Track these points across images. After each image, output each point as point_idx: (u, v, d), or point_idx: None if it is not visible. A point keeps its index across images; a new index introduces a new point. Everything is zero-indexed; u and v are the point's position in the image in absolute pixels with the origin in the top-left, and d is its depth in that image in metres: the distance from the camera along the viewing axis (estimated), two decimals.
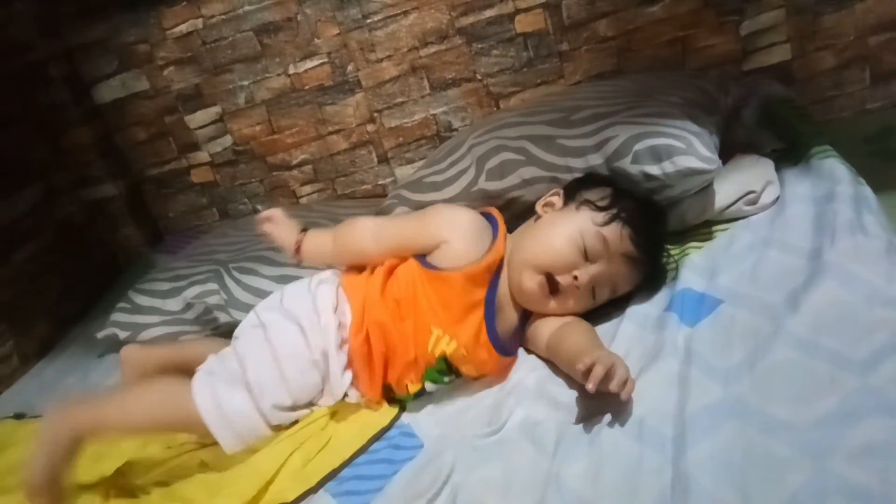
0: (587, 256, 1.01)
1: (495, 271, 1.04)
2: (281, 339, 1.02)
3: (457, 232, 1.04)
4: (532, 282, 1.02)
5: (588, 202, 1.05)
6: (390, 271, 1.07)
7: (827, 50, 1.55)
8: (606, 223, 1.01)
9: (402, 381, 1.03)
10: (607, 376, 0.82)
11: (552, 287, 1.01)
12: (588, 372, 0.83)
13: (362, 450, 0.97)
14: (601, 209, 1.03)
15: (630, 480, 0.75)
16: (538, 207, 1.12)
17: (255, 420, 0.98)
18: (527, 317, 1.08)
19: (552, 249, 1.02)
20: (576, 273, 1.00)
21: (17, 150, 1.74)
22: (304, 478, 0.94)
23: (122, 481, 1.05)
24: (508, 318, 1.07)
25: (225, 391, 0.98)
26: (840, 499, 0.64)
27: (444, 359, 1.00)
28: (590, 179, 1.13)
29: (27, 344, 1.62)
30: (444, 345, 1.00)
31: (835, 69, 1.57)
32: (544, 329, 1.03)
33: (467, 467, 0.86)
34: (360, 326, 1.03)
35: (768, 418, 0.76)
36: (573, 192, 1.10)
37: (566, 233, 1.02)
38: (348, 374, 1.02)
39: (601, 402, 0.86)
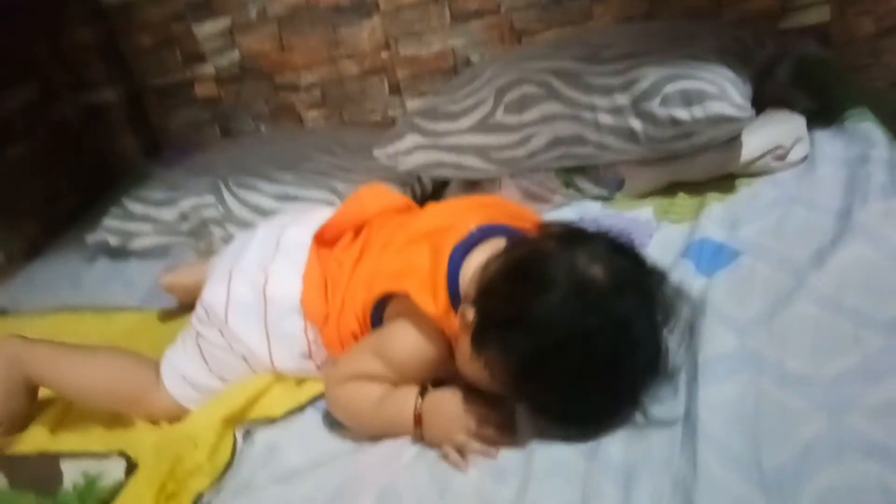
0: None
1: None
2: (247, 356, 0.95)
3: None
4: None
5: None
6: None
7: (867, 16, 1.49)
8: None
9: None
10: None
11: None
12: None
13: None
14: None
15: (640, 426, 0.72)
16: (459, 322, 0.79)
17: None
18: None
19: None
20: None
21: (15, 44, 1.66)
22: (295, 396, 0.91)
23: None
24: None
25: (212, 395, 0.94)
26: (856, 454, 0.61)
27: None
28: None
29: (15, 243, 1.57)
30: None
31: (873, 36, 1.50)
32: None
33: None
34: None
35: (784, 371, 0.73)
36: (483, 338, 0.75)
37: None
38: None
39: None
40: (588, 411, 0.72)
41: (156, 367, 0.96)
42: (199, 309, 0.98)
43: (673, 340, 0.80)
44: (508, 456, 0.74)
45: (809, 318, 0.79)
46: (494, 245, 0.82)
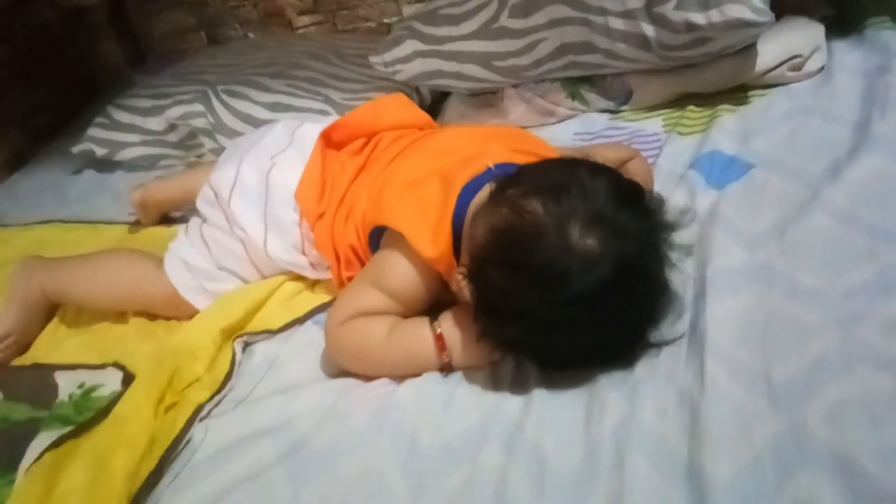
0: None
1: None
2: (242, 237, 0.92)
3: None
4: None
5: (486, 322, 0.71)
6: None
7: None
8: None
9: None
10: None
11: None
12: None
13: None
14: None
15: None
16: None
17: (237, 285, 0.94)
18: None
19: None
20: None
21: None
22: (293, 308, 0.89)
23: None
24: None
25: (208, 283, 0.92)
26: (868, 367, 0.60)
27: None
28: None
29: None
30: None
31: None
32: None
33: None
34: (339, 277, 0.89)
35: (795, 284, 0.71)
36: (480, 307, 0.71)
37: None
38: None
39: None
40: (602, 359, 0.69)
41: (157, 260, 0.95)
42: (206, 190, 0.96)
43: (677, 256, 0.78)
44: (513, 368, 0.73)
45: (823, 231, 0.76)
46: (484, 192, 0.74)
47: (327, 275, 0.91)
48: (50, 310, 1.00)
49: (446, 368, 0.74)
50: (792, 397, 0.60)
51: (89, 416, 0.80)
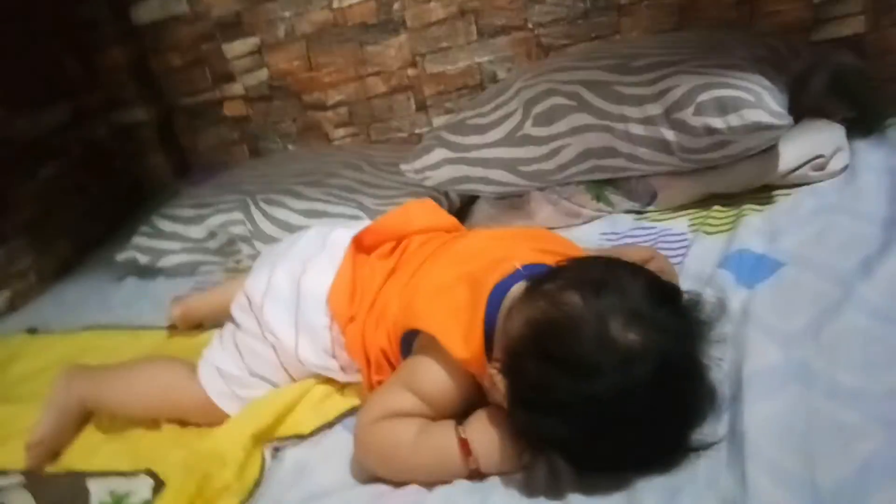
0: None
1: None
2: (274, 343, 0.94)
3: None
4: None
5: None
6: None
7: None
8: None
9: None
10: None
11: None
12: None
13: None
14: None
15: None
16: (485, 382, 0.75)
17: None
18: None
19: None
20: None
21: (49, 65, 1.69)
22: (323, 411, 0.89)
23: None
24: None
25: (240, 389, 0.93)
26: None
27: None
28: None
29: (47, 262, 1.58)
30: None
31: None
32: None
33: None
34: (369, 381, 0.89)
35: (835, 385, 0.69)
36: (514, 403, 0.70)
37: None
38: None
39: None
40: (640, 461, 0.67)
41: (191, 367, 0.97)
42: (240, 296, 0.99)
43: (715, 354, 0.78)
44: (546, 473, 0.71)
45: (860, 330, 0.75)
46: (518, 289, 0.75)
47: (357, 377, 0.91)
48: (84, 418, 1.01)
49: (475, 475, 0.72)
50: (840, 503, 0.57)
51: None
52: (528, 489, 0.70)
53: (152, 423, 0.97)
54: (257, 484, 0.80)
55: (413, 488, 0.74)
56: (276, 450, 0.86)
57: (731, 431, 0.68)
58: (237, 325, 0.97)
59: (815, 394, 0.69)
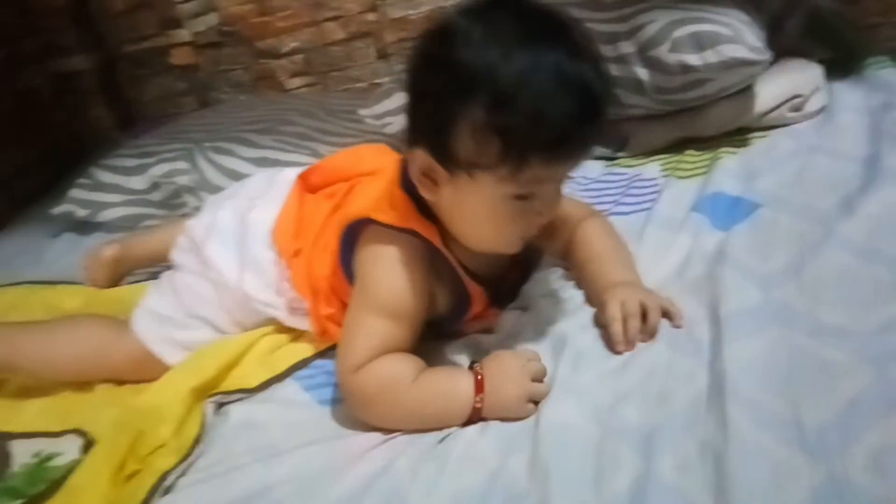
0: (527, 207, 0.68)
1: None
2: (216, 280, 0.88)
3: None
4: (519, 244, 0.73)
5: (479, 165, 0.64)
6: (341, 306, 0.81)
7: None
8: (517, 177, 0.63)
9: None
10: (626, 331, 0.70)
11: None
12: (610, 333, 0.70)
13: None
14: (506, 160, 0.62)
15: (660, 387, 0.64)
16: (414, 176, 0.69)
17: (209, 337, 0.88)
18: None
19: (495, 238, 0.71)
20: (538, 220, 0.71)
21: None
22: (271, 364, 0.82)
23: None
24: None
25: (177, 332, 0.87)
26: None
27: None
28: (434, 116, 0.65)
29: None
30: None
31: None
32: (557, 234, 0.84)
33: None
34: (317, 314, 0.84)
35: (819, 323, 0.65)
36: (447, 149, 0.64)
37: (491, 218, 0.68)
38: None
39: None
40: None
41: (120, 322, 0.89)
42: (180, 238, 0.93)
43: (691, 295, 0.73)
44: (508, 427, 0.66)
45: (842, 268, 0.71)
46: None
47: (305, 324, 0.84)
48: None
49: (473, 417, 0.67)
50: (828, 445, 0.53)
51: (42, 488, 0.72)
52: (499, 442, 0.64)
53: (83, 382, 0.89)
54: (197, 441, 0.73)
55: (378, 451, 0.67)
56: (220, 405, 0.79)
57: (710, 372, 0.63)
58: (177, 266, 0.91)
59: (798, 333, 0.65)
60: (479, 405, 0.67)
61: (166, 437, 0.73)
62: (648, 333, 0.70)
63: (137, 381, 0.87)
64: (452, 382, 0.69)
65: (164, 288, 0.90)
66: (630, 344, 0.69)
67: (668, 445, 0.58)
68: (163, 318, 0.87)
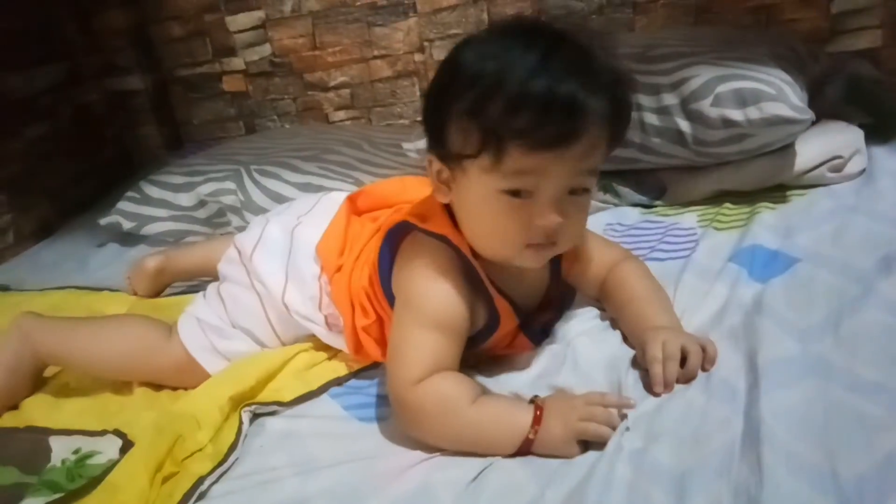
0: (524, 207, 0.69)
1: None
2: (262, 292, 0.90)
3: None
4: (533, 258, 0.73)
5: (459, 157, 0.68)
6: (378, 320, 0.83)
7: None
8: (499, 167, 0.66)
9: None
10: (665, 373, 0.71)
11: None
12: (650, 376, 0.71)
13: (375, 365, 0.87)
14: (490, 143, 0.65)
15: (694, 432, 0.64)
16: (433, 182, 0.75)
17: (252, 349, 0.90)
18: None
19: (494, 236, 0.72)
20: (536, 222, 0.69)
21: (46, 24, 1.64)
22: (307, 379, 0.84)
23: None
24: (533, 296, 0.84)
25: (219, 341, 0.89)
26: None
27: None
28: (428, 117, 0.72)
29: (26, 222, 1.53)
30: None
31: None
32: (592, 277, 0.87)
33: None
34: (354, 334, 0.86)
35: (856, 378, 0.65)
36: (442, 144, 0.70)
37: (487, 212, 0.69)
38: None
39: None
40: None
41: (166, 326, 0.91)
42: (230, 250, 0.96)
43: (728, 343, 0.74)
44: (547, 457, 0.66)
45: (880, 326, 0.71)
46: None
47: (341, 342, 0.87)
48: (39, 371, 0.94)
49: (523, 449, 0.67)
50: (864, 497, 0.53)
51: (81, 483, 0.74)
52: (535, 475, 0.64)
53: (122, 384, 0.91)
54: (233, 448, 0.74)
55: (416, 471, 0.68)
56: (255, 415, 0.80)
57: (745, 418, 0.64)
58: (223, 277, 0.94)
59: (835, 386, 0.65)
60: (531, 437, 0.67)
61: (203, 442, 0.74)
62: (687, 377, 0.71)
63: (176, 388, 0.89)
64: (511, 410, 0.69)
65: (211, 297, 0.92)
66: (669, 386, 0.70)
67: (700, 489, 0.58)
68: (208, 327, 0.89)
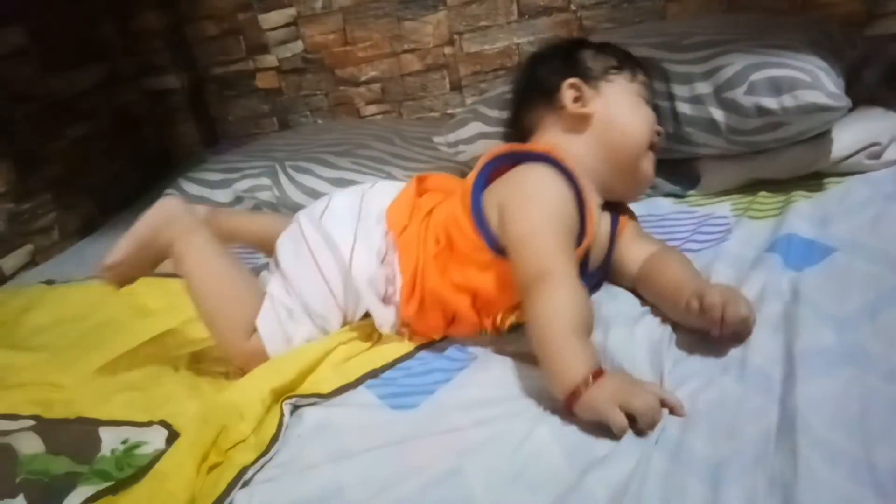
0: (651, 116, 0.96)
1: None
2: (324, 263, 0.93)
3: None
4: (650, 164, 0.95)
5: (610, 70, 0.96)
6: (448, 248, 0.89)
7: None
8: (636, 75, 0.97)
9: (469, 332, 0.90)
10: (725, 316, 0.72)
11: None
12: (705, 311, 0.73)
13: (408, 356, 0.89)
14: (623, 68, 0.96)
15: (729, 421, 0.65)
16: (568, 104, 0.93)
17: (314, 337, 0.93)
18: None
19: (641, 123, 0.94)
20: (657, 129, 0.96)
21: (85, 26, 1.68)
22: (345, 371, 0.86)
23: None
24: (595, 254, 0.92)
25: (290, 325, 0.91)
26: None
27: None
28: (581, 45, 1.01)
29: (70, 220, 1.58)
30: (518, 317, 0.86)
31: None
32: (630, 258, 0.91)
33: None
34: (411, 292, 0.89)
35: (893, 367, 0.65)
36: (586, 72, 0.95)
37: (632, 105, 0.94)
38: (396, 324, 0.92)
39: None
40: None
41: (261, 296, 0.93)
42: (292, 226, 0.99)
43: (764, 331, 0.74)
44: (586, 447, 0.67)
45: None
46: None
47: (390, 317, 0.90)
48: (163, 258, 0.99)
49: (569, 401, 0.68)
50: None
51: (130, 472, 0.77)
52: (573, 456, 0.66)
53: (169, 372, 0.94)
54: (275, 439, 0.77)
55: (450, 453, 0.69)
56: (296, 407, 0.82)
57: (780, 408, 0.64)
58: (282, 253, 0.96)
59: (872, 376, 0.65)
60: (581, 390, 0.67)
61: (246, 433, 0.77)
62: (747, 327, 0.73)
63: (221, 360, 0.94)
64: (582, 359, 0.69)
65: (276, 278, 0.94)
66: (728, 327, 0.72)
67: (736, 478, 0.58)
68: (279, 305, 0.91)
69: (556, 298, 0.74)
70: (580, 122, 0.93)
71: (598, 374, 0.68)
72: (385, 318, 0.90)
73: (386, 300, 0.90)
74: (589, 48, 0.98)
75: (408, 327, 0.91)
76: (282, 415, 0.79)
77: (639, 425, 0.66)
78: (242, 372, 0.88)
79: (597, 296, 0.92)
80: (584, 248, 0.85)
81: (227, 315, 0.92)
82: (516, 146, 0.93)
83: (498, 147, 0.93)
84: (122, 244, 0.95)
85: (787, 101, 0.97)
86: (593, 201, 0.89)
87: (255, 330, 0.90)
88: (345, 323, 0.94)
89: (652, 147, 0.95)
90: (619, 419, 0.65)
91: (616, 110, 0.93)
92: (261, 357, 0.88)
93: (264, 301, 0.92)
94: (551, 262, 0.77)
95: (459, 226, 0.87)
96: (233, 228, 1.12)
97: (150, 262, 0.98)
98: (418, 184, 1.00)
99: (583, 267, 0.86)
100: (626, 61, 0.97)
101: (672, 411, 0.67)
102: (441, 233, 0.89)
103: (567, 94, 0.93)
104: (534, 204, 0.83)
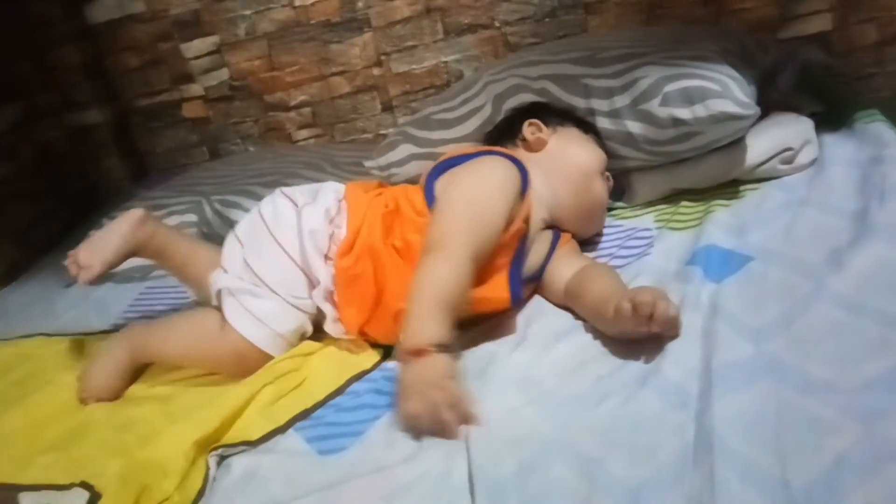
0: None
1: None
2: (278, 230, 0.99)
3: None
4: (602, 188, 1.05)
5: (565, 122, 1.09)
6: (395, 211, 0.96)
7: (870, 23, 1.46)
8: (588, 133, 1.09)
9: (389, 330, 0.91)
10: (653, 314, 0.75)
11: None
12: (636, 309, 0.75)
13: (338, 391, 0.87)
14: (577, 124, 1.09)
15: (647, 438, 0.65)
16: (528, 134, 1.06)
17: (288, 313, 0.95)
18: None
19: (592, 152, 1.06)
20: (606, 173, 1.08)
21: None
22: (272, 415, 0.84)
23: None
24: (533, 260, 0.97)
25: (253, 302, 0.94)
26: (895, 464, 0.55)
27: None
28: (543, 105, 1.13)
29: None
30: None
31: (877, 44, 1.47)
32: (562, 272, 0.93)
33: None
34: (350, 247, 0.94)
35: (808, 378, 0.66)
36: (545, 119, 1.08)
37: (584, 141, 1.07)
38: (328, 306, 0.94)
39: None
40: None
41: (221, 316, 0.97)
42: (229, 239, 1.05)
43: (683, 346, 0.75)
44: (505, 473, 0.67)
45: (831, 323, 0.72)
46: None
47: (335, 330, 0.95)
48: (139, 371, 1.02)
49: (406, 357, 0.77)
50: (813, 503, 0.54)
51: None
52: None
53: (90, 427, 0.91)
54: (200, 494, 0.74)
55: (376, 498, 0.68)
56: (223, 458, 0.80)
57: (698, 426, 0.64)
58: (254, 226, 1.02)
59: (787, 388, 0.66)
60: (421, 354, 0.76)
61: (170, 491, 0.74)
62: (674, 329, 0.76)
63: (238, 376, 0.92)
64: (443, 327, 0.78)
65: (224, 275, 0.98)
66: (657, 324, 0.75)
67: (655, 501, 0.59)
68: (238, 291, 0.94)
69: (439, 270, 0.82)
70: (537, 148, 1.05)
71: (441, 349, 0.76)
72: (322, 276, 0.94)
73: (327, 259, 0.94)
74: (550, 108, 1.11)
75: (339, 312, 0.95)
76: (206, 468, 0.77)
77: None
78: (243, 375, 0.91)
79: (528, 310, 0.94)
80: (512, 233, 0.90)
81: (198, 342, 0.97)
82: (480, 147, 1.08)
83: (463, 146, 1.07)
84: (92, 378, 0.99)
85: (699, 110, 0.99)
86: (537, 201, 0.97)
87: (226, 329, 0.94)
88: (312, 288, 0.95)
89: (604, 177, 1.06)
90: (410, 408, 0.74)
91: (569, 143, 1.06)
92: (252, 353, 0.92)
93: (222, 300, 0.95)
94: (452, 238, 0.85)
95: (409, 195, 0.97)
96: (171, 241, 1.11)
97: (123, 377, 1.00)
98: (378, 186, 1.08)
99: (516, 263, 0.91)
100: (581, 121, 1.09)
101: (465, 421, 0.72)
102: (391, 201, 0.97)
103: (527, 129, 1.06)
104: (474, 178, 0.94)
